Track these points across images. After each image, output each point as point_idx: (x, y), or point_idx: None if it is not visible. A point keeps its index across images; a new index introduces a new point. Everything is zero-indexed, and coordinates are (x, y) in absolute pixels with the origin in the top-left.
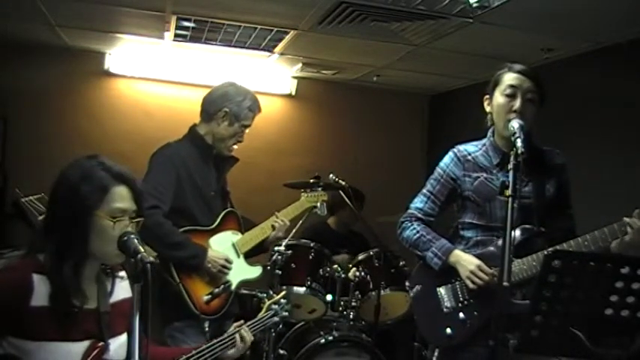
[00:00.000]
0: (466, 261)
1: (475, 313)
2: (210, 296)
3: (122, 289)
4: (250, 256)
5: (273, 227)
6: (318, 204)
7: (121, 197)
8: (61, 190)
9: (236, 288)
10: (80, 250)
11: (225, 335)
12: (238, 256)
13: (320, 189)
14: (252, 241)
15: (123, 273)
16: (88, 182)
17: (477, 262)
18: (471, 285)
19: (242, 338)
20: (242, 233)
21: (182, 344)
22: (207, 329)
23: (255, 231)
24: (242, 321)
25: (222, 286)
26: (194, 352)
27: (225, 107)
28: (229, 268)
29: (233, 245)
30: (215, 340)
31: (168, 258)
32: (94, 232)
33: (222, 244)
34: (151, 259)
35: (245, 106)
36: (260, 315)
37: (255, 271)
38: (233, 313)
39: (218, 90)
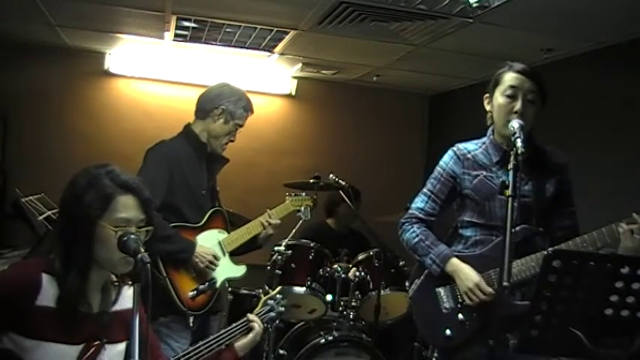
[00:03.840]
0: (465, 276)
1: (474, 314)
2: (195, 292)
3: (127, 300)
4: (243, 252)
5: (263, 226)
6: (302, 208)
7: (126, 207)
8: (68, 197)
9: (221, 285)
10: (85, 257)
11: (234, 325)
12: (224, 254)
13: (304, 194)
14: (238, 240)
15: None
16: (92, 191)
17: (476, 279)
18: (468, 302)
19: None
20: (228, 232)
21: (168, 339)
22: (191, 325)
23: (241, 230)
24: (248, 314)
25: (207, 283)
26: (211, 337)
27: (222, 105)
28: (216, 265)
29: (219, 243)
30: (227, 329)
31: (156, 251)
32: (98, 241)
33: (209, 242)
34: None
35: (240, 106)
36: (256, 310)
37: (239, 270)
38: (217, 310)
39: (214, 89)
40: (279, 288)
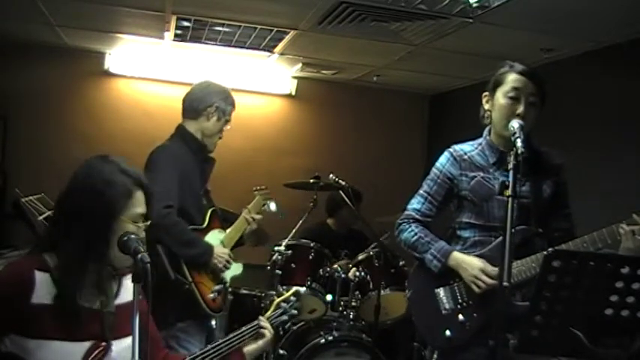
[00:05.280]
0: (468, 264)
1: (474, 314)
2: (215, 294)
3: (128, 292)
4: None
5: (248, 221)
6: (269, 202)
7: (140, 202)
8: (81, 195)
9: (229, 284)
10: (102, 253)
11: (244, 328)
12: None
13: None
14: (234, 238)
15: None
16: (113, 188)
17: (480, 264)
18: (476, 289)
19: (265, 328)
20: (225, 231)
21: (186, 344)
22: (215, 326)
23: (233, 229)
24: (260, 317)
25: (221, 284)
26: (220, 341)
27: (215, 103)
28: (231, 264)
29: (221, 243)
30: (237, 332)
31: (182, 256)
32: (116, 236)
33: (214, 242)
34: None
35: (230, 102)
36: (268, 314)
37: (239, 268)
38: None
39: (202, 88)
40: (293, 290)
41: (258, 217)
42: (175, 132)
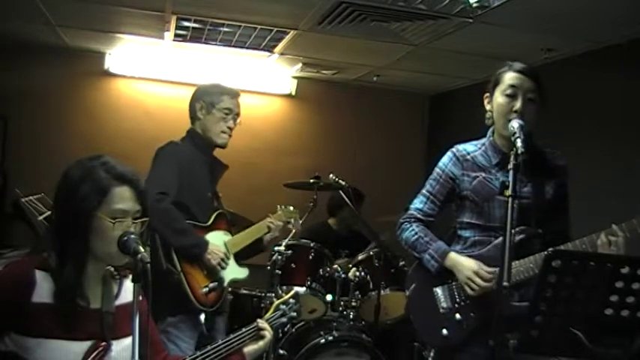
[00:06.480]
0: (463, 266)
1: (472, 314)
2: (207, 289)
3: (129, 293)
4: (247, 257)
5: (269, 228)
6: (292, 220)
7: (122, 198)
8: (62, 190)
9: (227, 286)
10: (81, 250)
11: (244, 330)
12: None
13: (292, 208)
14: (241, 243)
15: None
16: (88, 183)
17: (474, 266)
18: (470, 292)
19: (265, 329)
20: (232, 234)
21: (176, 340)
22: (202, 323)
23: (244, 234)
24: (259, 319)
25: (216, 282)
26: (220, 342)
27: (201, 100)
28: (227, 263)
29: (225, 245)
30: (236, 333)
31: (172, 245)
32: (94, 233)
33: (216, 242)
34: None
35: (215, 92)
36: (267, 316)
37: (243, 272)
38: (223, 310)
39: (194, 91)
40: (292, 292)
41: (279, 224)
42: (186, 133)
